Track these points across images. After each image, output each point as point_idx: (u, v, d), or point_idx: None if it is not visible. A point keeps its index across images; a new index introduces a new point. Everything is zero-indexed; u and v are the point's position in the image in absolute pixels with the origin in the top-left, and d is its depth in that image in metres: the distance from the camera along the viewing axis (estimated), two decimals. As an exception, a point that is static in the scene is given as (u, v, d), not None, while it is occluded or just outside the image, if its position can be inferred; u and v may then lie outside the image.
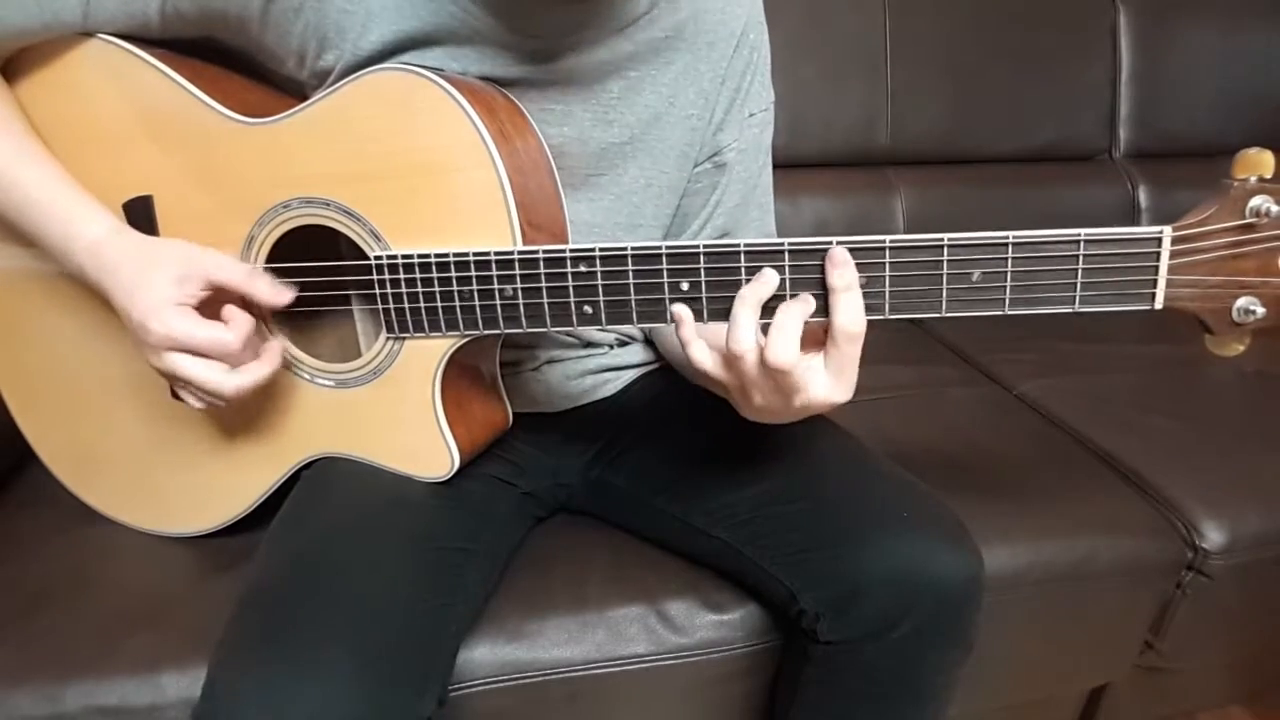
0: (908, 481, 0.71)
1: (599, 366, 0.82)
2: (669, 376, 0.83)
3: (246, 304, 0.63)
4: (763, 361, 0.53)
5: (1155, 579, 0.93)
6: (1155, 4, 1.61)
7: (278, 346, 0.65)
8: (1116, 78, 1.60)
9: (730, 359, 0.55)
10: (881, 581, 0.64)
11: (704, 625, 0.77)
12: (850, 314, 0.53)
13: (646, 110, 0.69)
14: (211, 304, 0.62)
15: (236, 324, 0.61)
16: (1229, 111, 1.65)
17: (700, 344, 0.56)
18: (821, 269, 0.54)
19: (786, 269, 0.55)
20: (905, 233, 1.44)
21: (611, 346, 0.83)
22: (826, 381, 0.54)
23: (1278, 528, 0.94)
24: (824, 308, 0.55)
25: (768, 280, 0.55)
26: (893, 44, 1.47)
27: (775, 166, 0.79)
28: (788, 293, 0.56)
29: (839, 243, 0.54)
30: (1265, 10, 1.65)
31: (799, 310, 0.54)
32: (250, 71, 0.67)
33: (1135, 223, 1.62)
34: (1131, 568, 0.90)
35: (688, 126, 0.71)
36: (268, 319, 0.67)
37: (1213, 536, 0.92)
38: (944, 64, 1.50)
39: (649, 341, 0.86)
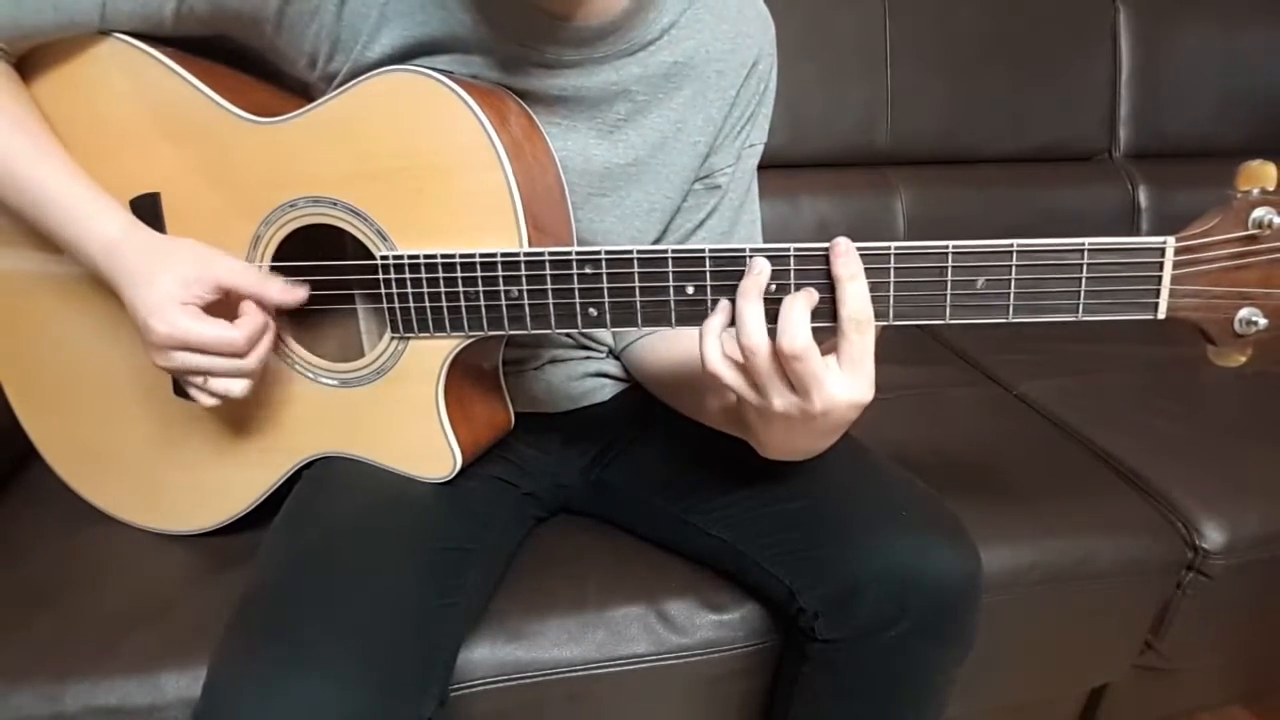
0: (905, 480, 0.71)
1: (599, 370, 0.82)
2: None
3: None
4: (775, 354, 0.53)
5: (1155, 579, 0.93)
6: (1155, 4, 1.61)
7: (271, 326, 0.64)
8: (1116, 78, 1.60)
9: (745, 356, 0.54)
10: (878, 579, 0.64)
11: (704, 625, 0.77)
12: (857, 301, 0.53)
13: (654, 134, 0.69)
14: (218, 304, 0.61)
15: (245, 321, 0.61)
16: (1229, 111, 1.65)
17: (714, 341, 0.55)
18: (825, 272, 0.54)
19: (792, 273, 0.55)
20: (906, 233, 1.47)
21: (609, 354, 0.83)
22: (843, 377, 0.53)
23: (1278, 528, 0.94)
24: (829, 307, 0.54)
25: (762, 269, 0.54)
26: (893, 44, 1.47)
27: (775, 166, 0.79)
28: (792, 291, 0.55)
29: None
30: (1265, 10, 1.65)
31: (804, 300, 0.53)
32: (260, 70, 0.67)
33: (1135, 222, 1.62)
34: (1131, 568, 0.90)
35: (694, 153, 0.71)
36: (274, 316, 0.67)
37: (1213, 536, 0.92)
38: (944, 64, 1.50)
39: None
